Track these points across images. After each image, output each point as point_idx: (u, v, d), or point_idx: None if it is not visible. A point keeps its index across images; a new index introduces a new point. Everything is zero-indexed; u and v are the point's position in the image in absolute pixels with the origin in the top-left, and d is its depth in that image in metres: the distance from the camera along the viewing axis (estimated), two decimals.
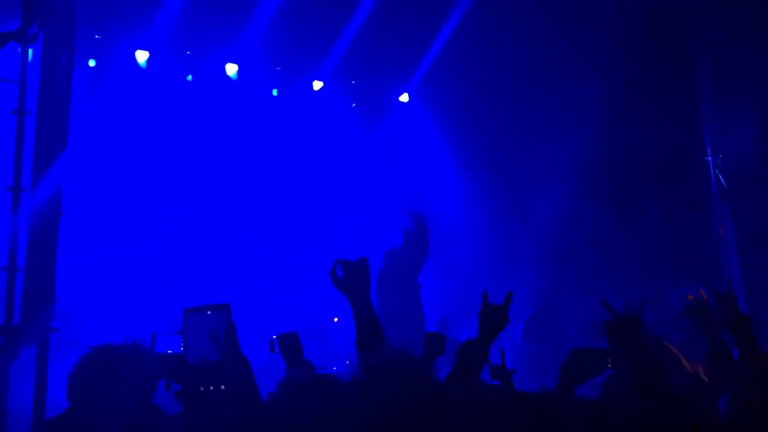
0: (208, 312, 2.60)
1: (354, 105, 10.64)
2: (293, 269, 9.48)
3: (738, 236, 8.76)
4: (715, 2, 8.33)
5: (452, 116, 10.69)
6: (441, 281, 8.88)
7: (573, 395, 2.70)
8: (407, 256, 7.13)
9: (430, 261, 8.41)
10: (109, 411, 2.80)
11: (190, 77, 9.30)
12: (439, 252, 9.78)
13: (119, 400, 2.85)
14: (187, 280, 7.77)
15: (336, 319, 9.17)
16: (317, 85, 10.09)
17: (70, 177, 6.00)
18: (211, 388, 2.44)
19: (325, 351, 8.43)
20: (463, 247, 10.30)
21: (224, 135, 9.52)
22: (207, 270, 8.60)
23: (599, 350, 2.82)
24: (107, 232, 8.38)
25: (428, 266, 7.81)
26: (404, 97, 10.84)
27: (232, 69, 9.41)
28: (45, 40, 4.87)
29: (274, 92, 10.05)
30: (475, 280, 9.25)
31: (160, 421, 2.87)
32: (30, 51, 4.97)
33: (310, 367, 3.68)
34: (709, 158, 9.03)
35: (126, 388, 2.88)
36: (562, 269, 9.42)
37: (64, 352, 4.10)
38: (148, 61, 8.79)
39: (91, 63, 8.61)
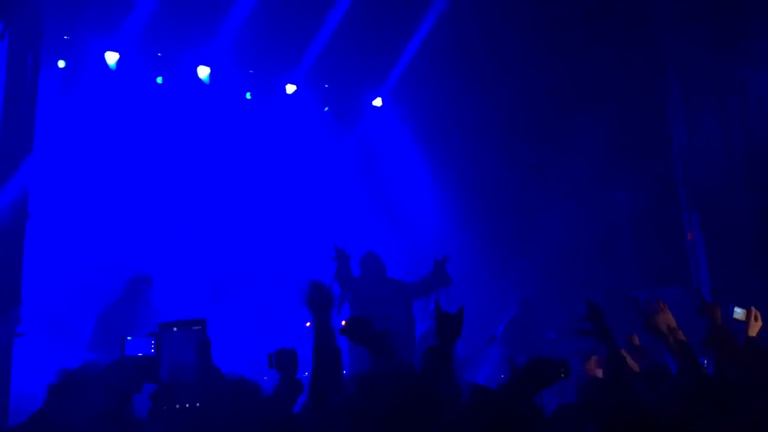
0: (184, 327, 2.58)
1: (327, 109, 10.61)
2: (265, 272, 9.41)
3: (707, 241, 8.89)
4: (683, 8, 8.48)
5: (426, 121, 10.70)
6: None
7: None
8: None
9: (404, 265, 8.43)
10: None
11: (160, 79, 9.20)
12: (414, 255, 9.81)
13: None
14: (155, 284, 7.64)
15: (309, 324, 9.09)
16: (290, 88, 10.04)
17: (37, 179, 5.92)
18: (187, 405, 2.43)
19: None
20: (438, 250, 10.28)
21: (196, 138, 9.42)
22: (176, 273, 8.49)
23: (555, 360, 2.88)
24: (75, 235, 8.25)
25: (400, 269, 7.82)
26: (377, 102, 10.84)
27: (204, 72, 9.34)
28: (11, 39, 4.80)
29: (248, 95, 9.99)
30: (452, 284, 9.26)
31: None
32: None
33: (300, 386, 3.64)
34: (677, 163, 9.16)
35: (96, 408, 2.79)
36: (538, 274, 9.46)
37: None
38: (119, 62, 8.67)
39: (61, 64, 8.49)
